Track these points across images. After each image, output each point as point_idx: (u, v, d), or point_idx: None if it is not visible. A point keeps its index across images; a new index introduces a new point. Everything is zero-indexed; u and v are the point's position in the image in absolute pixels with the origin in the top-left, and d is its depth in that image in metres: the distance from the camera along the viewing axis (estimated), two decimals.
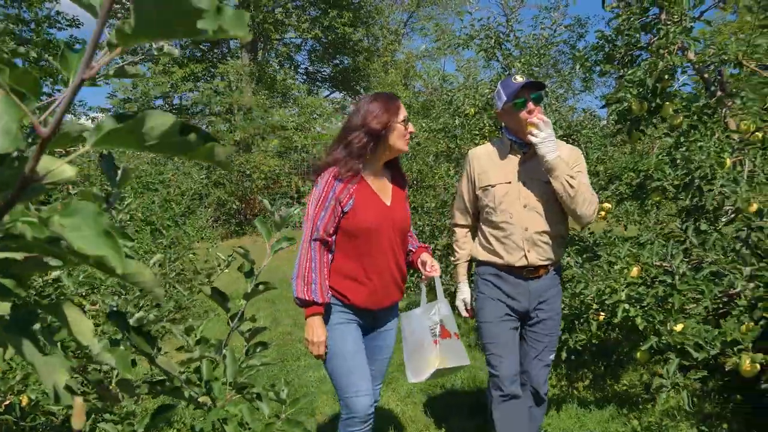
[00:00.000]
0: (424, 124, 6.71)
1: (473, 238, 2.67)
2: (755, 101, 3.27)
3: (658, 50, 3.23)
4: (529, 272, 2.44)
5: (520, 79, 2.37)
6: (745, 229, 2.95)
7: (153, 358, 0.93)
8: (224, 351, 1.27)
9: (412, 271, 2.53)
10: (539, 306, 2.47)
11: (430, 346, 2.26)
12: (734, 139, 3.24)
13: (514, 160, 2.47)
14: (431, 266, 2.32)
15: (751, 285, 2.66)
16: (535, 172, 2.41)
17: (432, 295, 2.42)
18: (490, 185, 2.47)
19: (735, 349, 2.48)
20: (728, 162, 3.14)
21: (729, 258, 2.82)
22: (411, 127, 2.26)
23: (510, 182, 2.43)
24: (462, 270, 2.68)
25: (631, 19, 3.41)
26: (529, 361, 2.54)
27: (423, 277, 2.35)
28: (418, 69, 18.37)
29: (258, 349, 1.49)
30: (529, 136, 2.28)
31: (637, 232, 4.22)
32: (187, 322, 1.45)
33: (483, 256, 2.54)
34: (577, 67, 3.83)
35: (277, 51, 18.49)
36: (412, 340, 2.34)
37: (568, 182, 2.28)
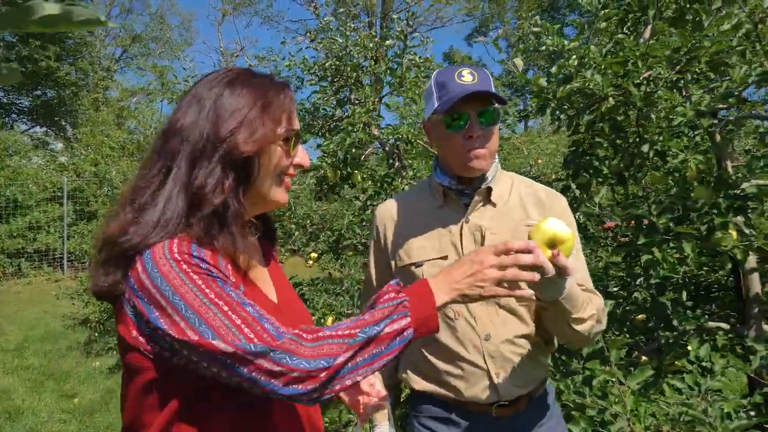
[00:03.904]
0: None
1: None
2: (422, 170, 4.01)
3: (348, 126, 3.76)
4: (500, 409, 1.41)
5: (468, 78, 1.37)
6: None
7: None
8: None
9: None
10: None
11: None
12: None
13: (450, 218, 1.47)
14: (369, 388, 1.26)
15: None
16: (492, 235, 1.43)
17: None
18: (412, 264, 1.47)
19: None
20: None
21: None
22: (301, 154, 1.11)
23: (446, 257, 1.44)
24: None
25: (327, 96, 3.91)
26: None
27: (360, 410, 1.26)
28: (133, 109, 17.53)
29: None
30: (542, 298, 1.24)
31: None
32: None
33: (419, 383, 1.49)
34: None
35: None
36: None
37: (570, 326, 1.31)
